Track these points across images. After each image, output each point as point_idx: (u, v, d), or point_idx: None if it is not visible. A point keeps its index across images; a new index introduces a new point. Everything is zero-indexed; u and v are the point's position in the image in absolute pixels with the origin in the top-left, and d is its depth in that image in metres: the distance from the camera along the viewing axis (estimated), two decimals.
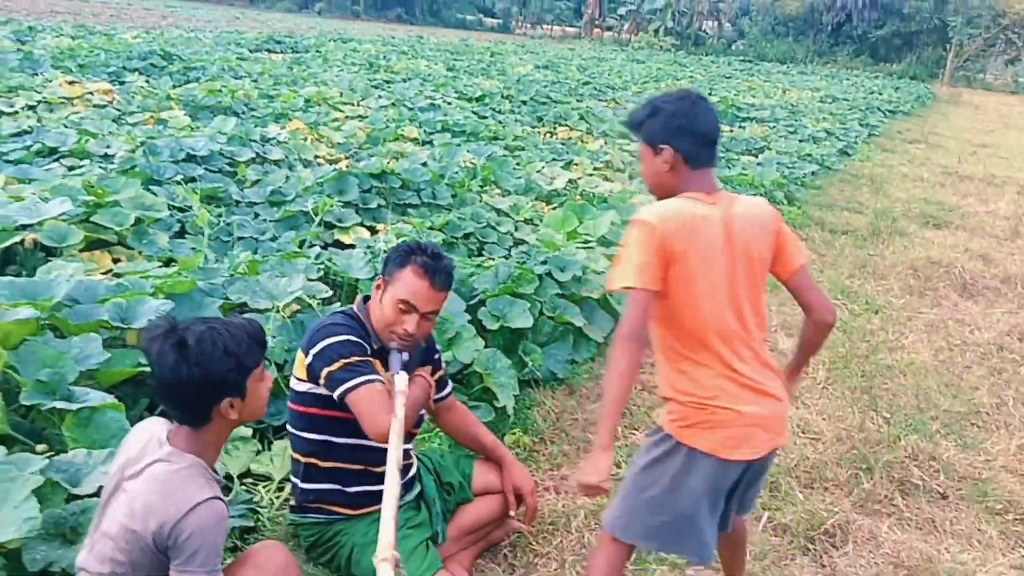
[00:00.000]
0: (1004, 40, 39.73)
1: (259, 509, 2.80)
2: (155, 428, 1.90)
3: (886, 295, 5.97)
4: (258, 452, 3.10)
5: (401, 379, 2.25)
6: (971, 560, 2.98)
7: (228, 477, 2.89)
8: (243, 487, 2.92)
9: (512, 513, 2.74)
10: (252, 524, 2.71)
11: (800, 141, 11.99)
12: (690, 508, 2.03)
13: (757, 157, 10.05)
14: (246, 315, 1.96)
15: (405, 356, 2.32)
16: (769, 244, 2.08)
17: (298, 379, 2.40)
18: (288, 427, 2.49)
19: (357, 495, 2.44)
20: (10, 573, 2.12)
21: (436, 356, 2.62)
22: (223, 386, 1.78)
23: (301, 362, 2.38)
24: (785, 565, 2.88)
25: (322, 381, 2.30)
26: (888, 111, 19.48)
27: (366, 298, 2.45)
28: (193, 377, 1.73)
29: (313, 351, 2.32)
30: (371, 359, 2.33)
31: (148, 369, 1.82)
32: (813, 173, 10.05)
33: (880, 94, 23.32)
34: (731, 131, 12.23)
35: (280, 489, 2.98)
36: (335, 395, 2.27)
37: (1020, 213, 9.18)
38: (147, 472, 1.78)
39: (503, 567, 2.72)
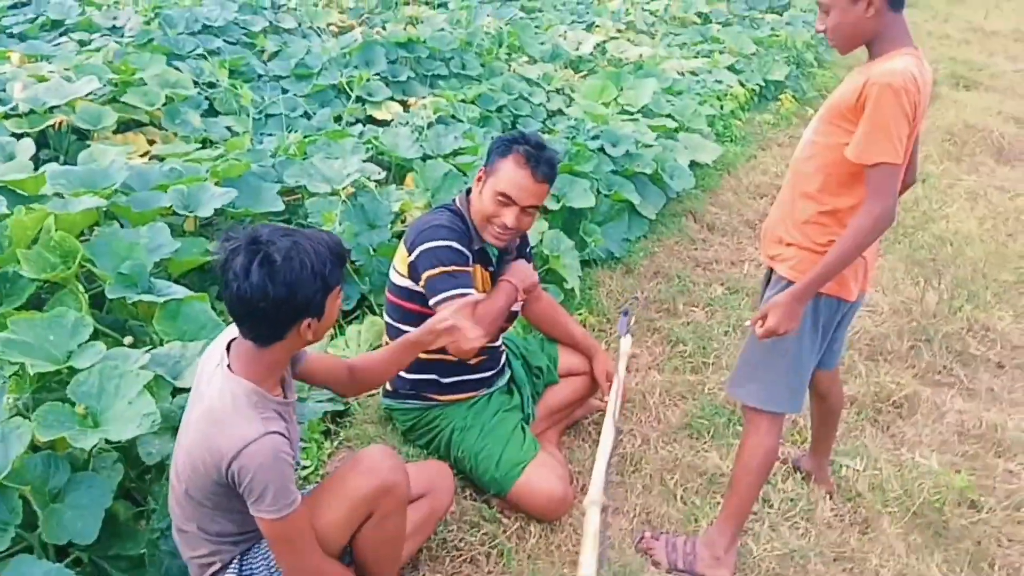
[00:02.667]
0: None
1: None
2: (224, 340, 1.81)
3: (925, 162, 5.87)
4: (332, 337, 3.12)
5: (627, 342, 2.25)
6: None
7: None
8: None
9: (598, 399, 2.78)
10: (343, 407, 2.76)
11: None
12: (814, 356, 2.17)
13: (782, 15, 9.64)
14: (325, 231, 1.76)
15: (632, 320, 2.34)
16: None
17: (399, 273, 2.36)
18: (385, 316, 2.48)
19: (453, 384, 2.46)
20: (126, 466, 2.16)
21: (529, 250, 2.59)
22: (307, 307, 1.65)
23: (403, 257, 2.34)
24: (855, 436, 2.97)
25: (421, 284, 2.27)
26: None
27: (468, 191, 2.38)
28: (279, 297, 1.60)
29: (416, 251, 2.27)
30: (470, 269, 2.27)
31: (219, 272, 1.62)
32: None
33: None
34: None
35: None
36: (430, 302, 2.24)
37: None
38: (204, 400, 1.72)
39: (588, 443, 2.79)
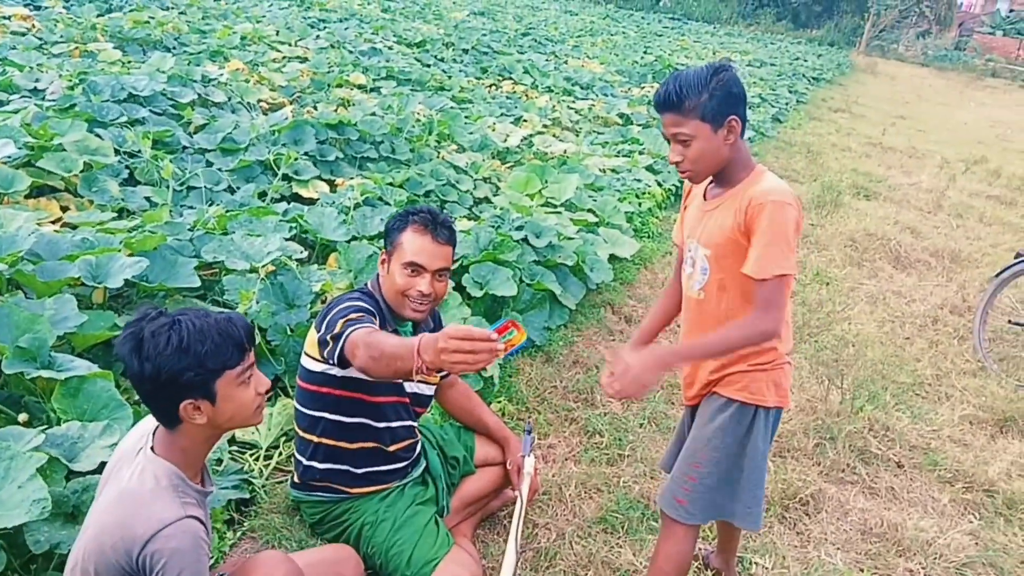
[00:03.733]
0: (917, 13, 41.10)
1: (252, 480, 2.73)
2: (150, 424, 1.76)
3: (829, 266, 6.21)
4: None
5: (530, 461, 2.21)
6: (930, 527, 3.18)
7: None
8: (230, 455, 2.84)
9: (512, 490, 2.76)
10: (248, 496, 2.65)
11: None
12: (764, 469, 2.17)
13: None
14: (229, 311, 1.70)
15: (534, 436, 2.28)
16: None
17: (310, 357, 2.32)
18: (296, 405, 2.42)
19: (366, 475, 2.40)
20: (11, 555, 2.02)
21: None
22: (178, 387, 1.59)
23: (312, 340, 2.31)
24: (764, 533, 3.01)
25: (328, 349, 2.21)
26: (812, 78, 19.98)
27: (377, 276, 2.39)
28: (147, 375, 1.57)
29: (323, 324, 2.24)
30: (374, 316, 2.21)
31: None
32: (750, 139, 10.26)
33: (804, 61, 23.86)
34: None
35: (268, 457, 2.92)
36: (335, 355, 2.12)
37: (941, 187, 9.62)
38: (122, 481, 1.65)
39: (503, 537, 2.74)
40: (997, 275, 4.87)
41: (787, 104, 14.19)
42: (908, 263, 6.68)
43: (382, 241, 3.96)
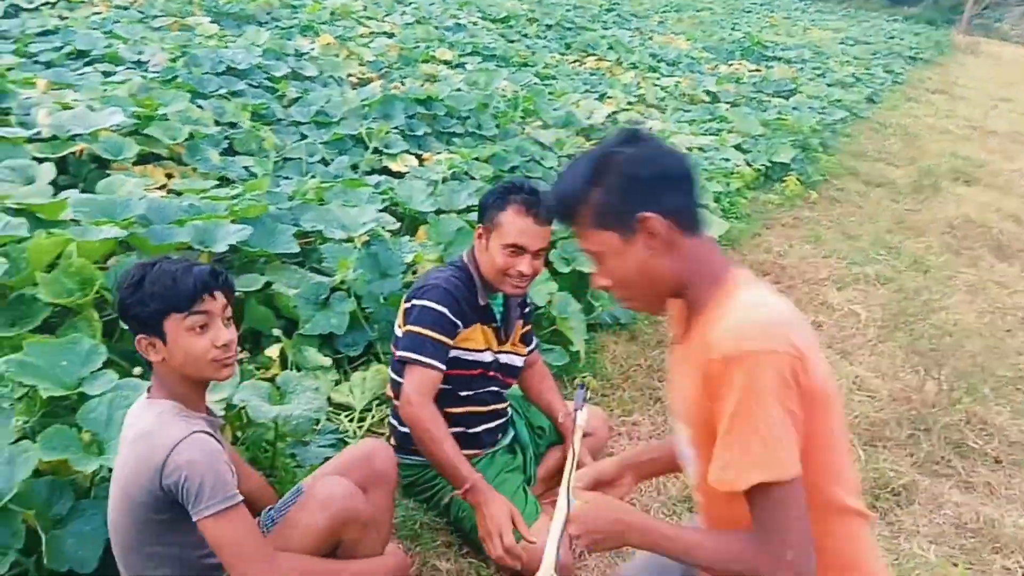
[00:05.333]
0: None
1: (347, 440, 2.83)
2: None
3: (927, 253, 5.98)
4: (337, 382, 3.12)
5: (582, 415, 2.25)
6: None
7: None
8: (326, 417, 2.94)
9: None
10: None
11: (828, 85, 11.78)
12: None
13: (788, 100, 9.89)
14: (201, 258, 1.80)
15: (587, 391, 2.27)
16: None
17: (399, 326, 2.38)
18: (390, 372, 2.49)
19: (458, 437, 2.44)
20: None
21: (528, 310, 2.62)
22: (131, 320, 1.68)
23: (403, 310, 2.38)
24: None
25: (401, 331, 2.33)
26: (909, 58, 19.13)
27: (473, 247, 2.42)
28: (114, 304, 1.71)
29: (413, 302, 2.34)
30: (450, 341, 2.28)
31: None
32: (843, 120, 9.92)
33: (900, 39, 22.84)
34: (759, 70, 12.01)
35: (361, 420, 3.01)
36: (396, 352, 2.32)
37: None
38: (131, 432, 1.71)
39: None
40: None
41: (882, 84, 13.64)
42: (1011, 253, 6.37)
43: (470, 215, 4.04)
